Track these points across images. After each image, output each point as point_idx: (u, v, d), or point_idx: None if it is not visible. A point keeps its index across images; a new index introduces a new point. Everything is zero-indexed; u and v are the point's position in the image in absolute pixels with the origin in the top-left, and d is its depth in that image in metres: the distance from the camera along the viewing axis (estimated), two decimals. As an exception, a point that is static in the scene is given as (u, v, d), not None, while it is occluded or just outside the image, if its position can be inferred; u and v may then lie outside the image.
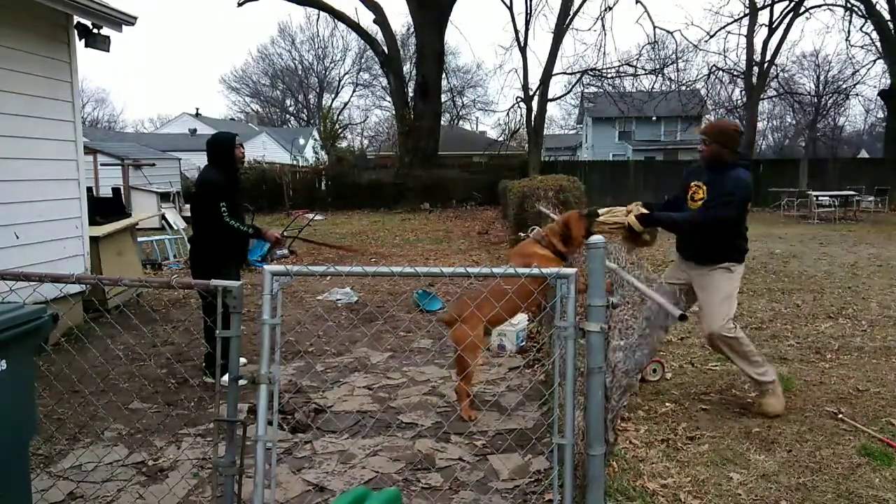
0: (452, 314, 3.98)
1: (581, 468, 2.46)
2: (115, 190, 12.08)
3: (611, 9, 22.01)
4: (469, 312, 3.64)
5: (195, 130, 40.03)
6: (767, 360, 4.85)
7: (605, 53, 62.40)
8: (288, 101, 57.15)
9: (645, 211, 3.86)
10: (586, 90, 27.34)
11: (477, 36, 78.19)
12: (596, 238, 2.29)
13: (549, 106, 27.38)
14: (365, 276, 2.47)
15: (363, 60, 47.72)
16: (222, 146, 4.71)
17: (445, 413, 3.96)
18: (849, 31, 33.86)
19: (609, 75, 23.87)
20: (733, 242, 3.85)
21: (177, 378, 4.65)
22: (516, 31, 22.86)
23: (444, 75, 24.29)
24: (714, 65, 24.33)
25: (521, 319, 5.31)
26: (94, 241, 6.46)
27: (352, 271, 2.34)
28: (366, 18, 33.77)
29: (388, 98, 37.75)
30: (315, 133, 42.81)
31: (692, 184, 3.92)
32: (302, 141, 38.74)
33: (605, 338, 2.28)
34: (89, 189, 7.36)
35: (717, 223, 3.77)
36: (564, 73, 24.98)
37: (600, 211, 3.97)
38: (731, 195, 3.73)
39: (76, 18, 5.99)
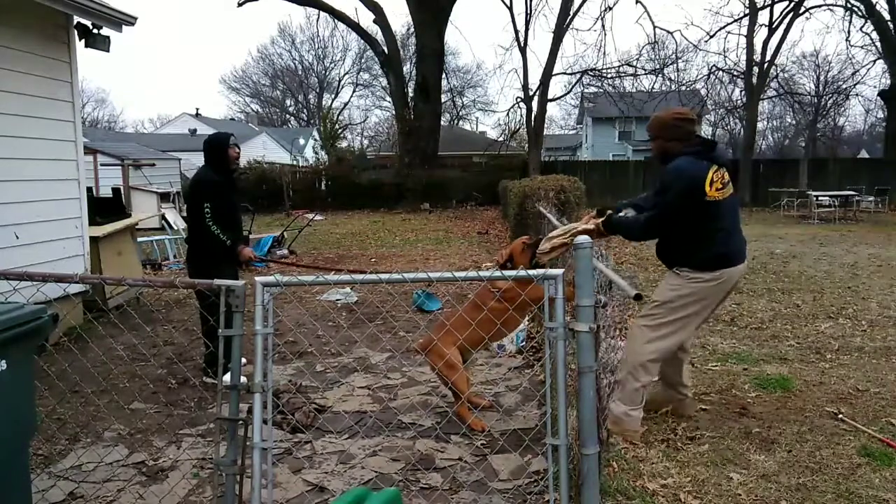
0: (420, 344, 4.06)
1: (578, 468, 2.46)
2: (115, 190, 12.06)
3: (611, 9, 21.99)
4: (434, 340, 3.84)
5: (195, 131, 40.01)
6: (763, 362, 4.88)
7: (605, 53, 62.54)
8: (288, 102, 57.17)
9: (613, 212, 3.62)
10: (586, 90, 27.31)
11: (477, 36, 78.33)
12: (582, 239, 2.30)
13: (549, 106, 27.36)
14: (353, 283, 2.58)
15: (363, 60, 47.76)
16: (216, 146, 4.72)
17: (445, 413, 3.96)
18: (849, 32, 33.50)
19: (609, 75, 23.84)
20: (689, 244, 3.41)
21: (177, 378, 4.65)
22: (516, 31, 22.84)
23: (444, 75, 24.30)
24: (714, 65, 24.22)
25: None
26: (94, 241, 6.47)
27: (340, 279, 2.50)
28: (366, 18, 33.92)
29: (388, 98, 37.76)
30: (315, 133, 42.86)
31: None
32: (302, 141, 38.79)
33: (594, 337, 2.29)
34: (89, 189, 7.35)
35: (659, 224, 3.43)
36: (564, 73, 24.99)
37: (552, 234, 3.73)
38: (664, 191, 3.37)
39: (76, 18, 5.99)
